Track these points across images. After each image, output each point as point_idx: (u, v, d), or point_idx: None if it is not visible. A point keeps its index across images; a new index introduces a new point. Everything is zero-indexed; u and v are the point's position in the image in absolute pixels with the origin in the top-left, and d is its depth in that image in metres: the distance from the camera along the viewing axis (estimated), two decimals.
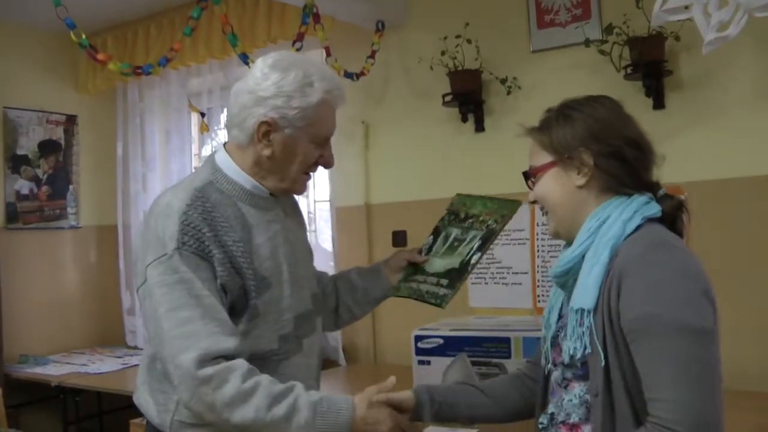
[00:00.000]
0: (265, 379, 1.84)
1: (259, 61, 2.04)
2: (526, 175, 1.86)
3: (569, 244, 1.80)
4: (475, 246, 2.32)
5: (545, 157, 1.79)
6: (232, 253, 1.93)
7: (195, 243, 1.88)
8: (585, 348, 1.66)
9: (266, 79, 1.98)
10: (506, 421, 2.12)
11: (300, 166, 2.05)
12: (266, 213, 2.07)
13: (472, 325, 3.37)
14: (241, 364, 1.83)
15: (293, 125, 1.98)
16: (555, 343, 1.84)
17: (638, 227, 1.67)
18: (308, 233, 4.85)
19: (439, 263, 2.38)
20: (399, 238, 4.44)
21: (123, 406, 4.60)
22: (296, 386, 1.86)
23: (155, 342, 1.91)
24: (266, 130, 1.97)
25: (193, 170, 5.53)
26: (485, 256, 2.32)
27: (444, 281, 2.31)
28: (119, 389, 4.42)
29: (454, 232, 2.42)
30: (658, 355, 1.53)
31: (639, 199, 1.72)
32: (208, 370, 1.79)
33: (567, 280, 1.78)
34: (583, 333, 1.66)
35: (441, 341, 3.24)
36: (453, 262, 2.34)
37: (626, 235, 1.67)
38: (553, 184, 1.78)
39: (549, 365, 1.87)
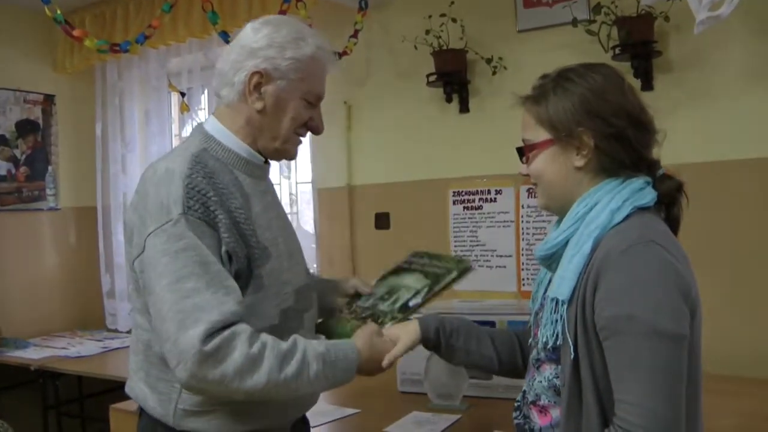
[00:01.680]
0: (269, 338, 1.79)
1: (249, 23, 2.03)
2: (521, 150, 1.79)
3: (558, 221, 1.76)
4: (420, 291, 2.22)
5: (542, 134, 1.72)
6: (236, 219, 1.86)
7: (201, 208, 1.80)
8: (557, 338, 1.64)
9: (258, 32, 1.97)
10: (502, 373, 2.13)
11: (291, 123, 2.00)
12: (260, 183, 2.03)
13: (456, 308, 3.34)
14: (244, 328, 1.76)
15: (286, 77, 1.95)
16: (536, 320, 1.82)
17: (627, 216, 1.63)
18: (290, 215, 4.87)
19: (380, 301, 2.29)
20: (382, 220, 4.40)
21: (104, 390, 4.57)
22: (299, 340, 1.84)
23: (155, 318, 1.80)
24: (258, 81, 1.94)
25: None
26: (430, 299, 2.20)
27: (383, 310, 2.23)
28: (100, 373, 4.39)
29: (401, 279, 2.33)
30: (629, 357, 1.51)
31: (632, 185, 1.67)
32: (215, 342, 1.70)
33: (551, 263, 1.75)
34: (556, 322, 1.64)
35: None
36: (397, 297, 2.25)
37: (612, 225, 1.62)
38: (551, 163, 1.72)
39: (531, 340, 1.86)
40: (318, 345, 1.87)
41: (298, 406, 2.08)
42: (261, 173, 2.04)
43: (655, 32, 3.45)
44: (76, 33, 3.67)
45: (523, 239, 3.76)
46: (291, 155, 2.10)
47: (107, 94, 5.56)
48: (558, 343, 1.64)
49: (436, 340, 2.04)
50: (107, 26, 5.19)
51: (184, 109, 4.71)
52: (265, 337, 1.79)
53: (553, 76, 1.75)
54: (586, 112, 1.67)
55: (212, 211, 1.81)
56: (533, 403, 1.75)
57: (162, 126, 5.33)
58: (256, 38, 1.95)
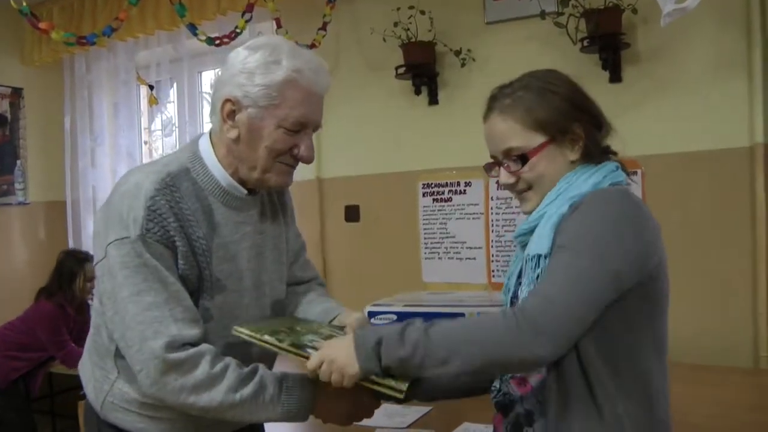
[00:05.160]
0: (231, 361, 1.81)
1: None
2: (523, 158, 1.73)
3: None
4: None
5: (535, 138, 1.71)
6: (194, 248, 1.84)
7: (160, 231, 1.78)
8: None
9: (236, 57, 1.89)
10: (463, 396, 2.12)
11: (267, 152, 1.89)
12: (238, 213, 1.96)
13: (425, 300, 3.36)
14: (209, 348, 1.79)
15: (256, 104, 1.85)
16: (512, 305, 1.82)
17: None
18: None
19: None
20: (351, 213, 4.40)
21: (74, 387, 4.53)
22: (259, 366, 1.85)
23: (116, 323, 1.81)
24: (230, 109, 1.86)
25: (144, 144, 5.46)
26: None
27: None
28: (70, 369, 4.36)
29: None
30: (561, 265, 1.56)
31: (607, 167, 1.71)
32: (180, 355, 1.73)
33: (530, 237, 1.76)
34: (537, 276, 1.65)
35: (394, 317, 3.22)
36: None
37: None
38: (551, 164, 1.72)
39: None
40: (278, 372, 1.87)
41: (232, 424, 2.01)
42: (240, 204, 1.96)
43: (623, 24, 3.46)
44: (42, 25, 3.64)
45: (492, 231, 3.77)
46: (276, 184, 1.98)
47: (76, 87, 5.54)
48: None
49: None
50: (75, 18, 5.15)
51: (153, 102, 4.69)
52: (228, 360, 1.81)
53: (524, 82, 1.76)
54: (575, 106, 1.71)
55: (171, 235, 1.80)
56: (512, 377, 1.76)
57: (131, 119, 5.31)
58: (233, 63, 1.88)
